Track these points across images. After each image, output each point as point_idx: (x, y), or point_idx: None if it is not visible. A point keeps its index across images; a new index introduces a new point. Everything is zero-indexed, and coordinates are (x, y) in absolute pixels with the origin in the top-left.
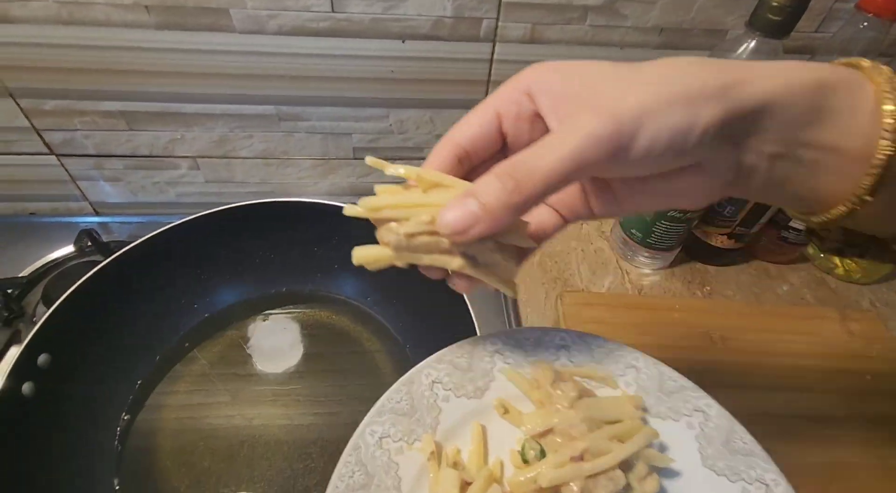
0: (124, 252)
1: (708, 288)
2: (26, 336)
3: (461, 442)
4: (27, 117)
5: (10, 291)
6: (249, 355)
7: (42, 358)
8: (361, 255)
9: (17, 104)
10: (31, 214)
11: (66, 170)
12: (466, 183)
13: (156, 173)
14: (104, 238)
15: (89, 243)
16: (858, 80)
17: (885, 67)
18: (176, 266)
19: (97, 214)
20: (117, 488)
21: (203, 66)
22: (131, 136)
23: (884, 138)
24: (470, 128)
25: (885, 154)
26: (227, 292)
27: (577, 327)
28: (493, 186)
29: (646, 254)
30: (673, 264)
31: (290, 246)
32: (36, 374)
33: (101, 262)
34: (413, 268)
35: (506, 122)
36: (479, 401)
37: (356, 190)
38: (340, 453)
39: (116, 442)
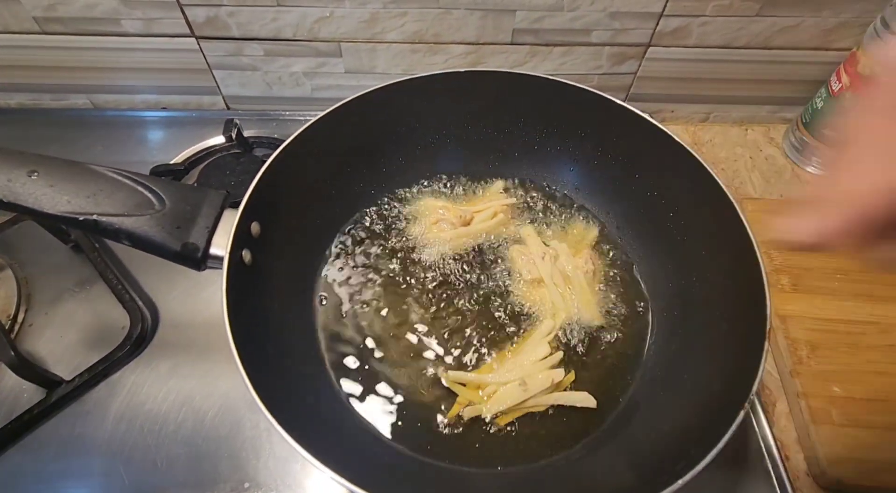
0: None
1: None
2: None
3: None
4: None
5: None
6: None
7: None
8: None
9: None
10: (162, 108)
11: (204, 56)
12: None
13: (295, 61)
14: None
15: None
16: None
17: None
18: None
19: (228, 109)
20: None
21: None
22: (278, 13)
23: None
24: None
25: None
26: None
27: (764, 235)
28: None
29: None
30: None
31: None
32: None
33: (241, 153)
34: None
35: None
36: None
37: None
38: None
39: None
